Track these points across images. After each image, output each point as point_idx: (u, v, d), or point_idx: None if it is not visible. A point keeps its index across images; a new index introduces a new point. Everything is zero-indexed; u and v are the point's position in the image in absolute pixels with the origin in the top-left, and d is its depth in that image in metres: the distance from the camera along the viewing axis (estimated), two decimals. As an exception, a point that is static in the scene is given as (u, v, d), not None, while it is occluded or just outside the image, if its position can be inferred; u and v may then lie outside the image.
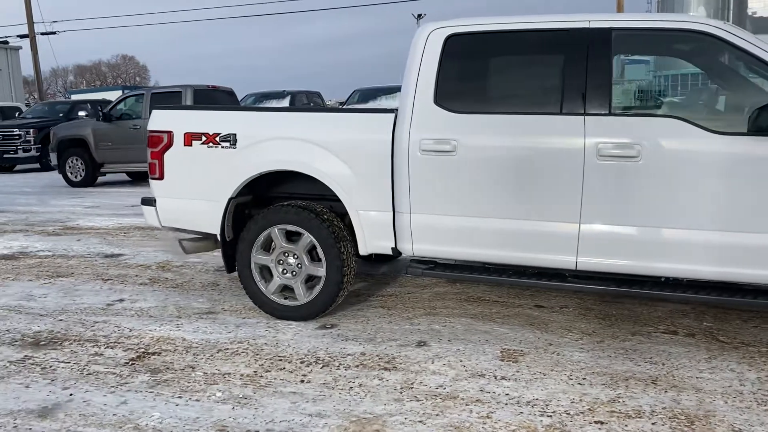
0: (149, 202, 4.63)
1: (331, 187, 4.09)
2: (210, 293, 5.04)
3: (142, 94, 12.72)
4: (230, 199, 4.31)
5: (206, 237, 4.63)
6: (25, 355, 3.86)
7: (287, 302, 4.31)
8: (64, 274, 5.76)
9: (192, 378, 3.48)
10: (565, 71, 3.66)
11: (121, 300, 4.92)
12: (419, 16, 48.31)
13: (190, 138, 4.37)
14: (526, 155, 3.66)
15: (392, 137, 3.93)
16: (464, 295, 4.80)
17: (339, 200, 4.23)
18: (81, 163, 13.01)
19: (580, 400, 3.09)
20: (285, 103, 16.52)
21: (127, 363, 3.71)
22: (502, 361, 3.58)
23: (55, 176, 14.68)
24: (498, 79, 4.05)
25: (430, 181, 3.86)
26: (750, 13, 32.42)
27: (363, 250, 4.14)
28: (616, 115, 3.58)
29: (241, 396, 3.24)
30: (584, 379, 3.33)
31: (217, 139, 4.30)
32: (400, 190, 3.94)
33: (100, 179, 13.51)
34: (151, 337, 4.10)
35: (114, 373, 3.57)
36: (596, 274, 3.73)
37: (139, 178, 14.41)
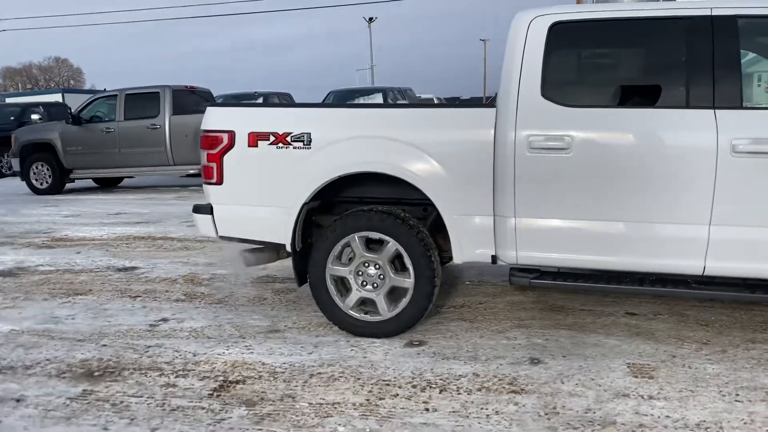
0: (204, 209, 4.12)
1: (423, 189, 3.70)
2: (262, 308, 4.56)
3: (115, 95, 11.94)
4: (303, 205, 3.87)
5: (268, 247, 4.17)
6: (84, 390, 3.34)
7: (368, 317, 3.90)
8: (81, 292, 5.16)
9: (298, 410, 3.04)
10: (688, 62, 3.39)
11: (165, 320, 4.40)
12: (370, 19, 48.24)
13: (255, 138, 3.91)
14: (651, 152, 3.37)
15: (494, 134, 3.58)
16: (543, 304, 4.48)
17: (417, 204, 3.90)
18: (47, 169, 12.12)
19: (752, 420, 2.81)
20: (257, 104, 15.92)
21: (212, 394, 3.23)
22: (636, 377, 3.27)
23: (11, 183, 13.74)
24: (613, 70, 3.76)
25: (539, 182, 3.52)
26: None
27: (458, 259, 3.77)
28: (750, 108, 3.33)
29: (368, 431, 2.83)
30: (738, 394, 3.05)
31: (289, 139, 3.85)
32: (502, 192, 3.59)
33: (67, 186, 12.62)
34: (223, 362, 3.63)
35: (203, 408, 3.09)
36: (723, 279, 3.48)
37: (107, 185, 13.59)
